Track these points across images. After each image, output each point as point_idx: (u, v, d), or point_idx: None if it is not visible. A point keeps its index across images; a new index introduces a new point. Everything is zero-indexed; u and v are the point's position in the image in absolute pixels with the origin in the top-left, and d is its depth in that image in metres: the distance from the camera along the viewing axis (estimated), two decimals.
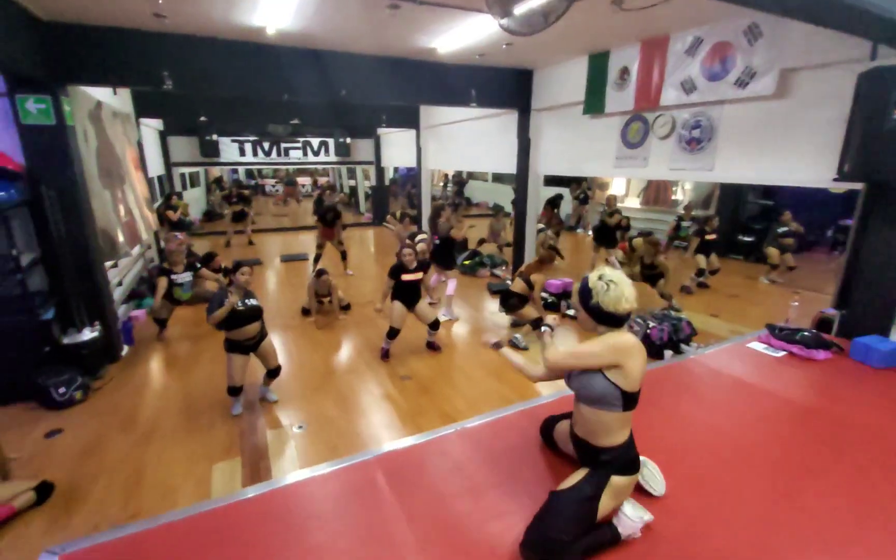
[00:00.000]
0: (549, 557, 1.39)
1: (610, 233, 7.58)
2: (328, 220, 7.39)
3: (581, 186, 11.94)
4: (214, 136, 11.38)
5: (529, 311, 4.80)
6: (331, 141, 12.75)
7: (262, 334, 3.62)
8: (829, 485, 1.77)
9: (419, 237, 4.38)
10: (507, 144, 6.79)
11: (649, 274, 5.87)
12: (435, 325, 4.61)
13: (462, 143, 8.64)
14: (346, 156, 12.94)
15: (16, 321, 3.64)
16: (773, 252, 7.24)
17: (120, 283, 5.44)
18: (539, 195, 6.83)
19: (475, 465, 1.97)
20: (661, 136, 4.67)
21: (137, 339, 5.12)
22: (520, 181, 6.72)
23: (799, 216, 7.27)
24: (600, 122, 5.39)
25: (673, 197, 11.41)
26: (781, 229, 7.13)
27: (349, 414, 3.64)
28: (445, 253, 5.85)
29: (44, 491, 2.60)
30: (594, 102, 5.29)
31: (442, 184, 19.81)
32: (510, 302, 4.85)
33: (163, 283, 5.19)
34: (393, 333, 4.45)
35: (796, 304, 3.93)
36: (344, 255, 7.67)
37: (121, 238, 5.13)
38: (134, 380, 4.23)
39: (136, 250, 6.91)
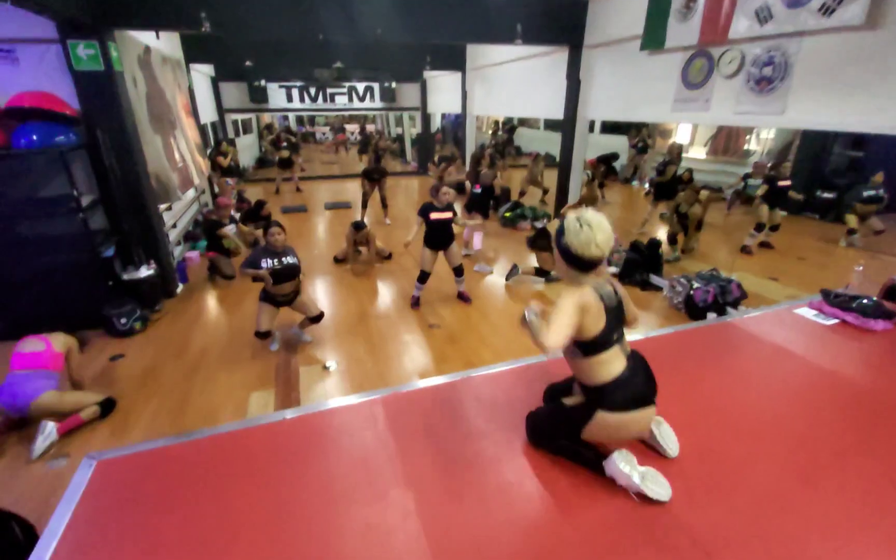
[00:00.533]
0: (533, 436, 1.77)
1: (668, 185, 7.05)
2: (373, 178, 7.44)
3: (640, 134, 11.11)
4: (263, 82, 11.58)
5: (548, 259, 4.71)
6: (376, 86, 12.59)
7: (297, 291, 3.79)
8: (855, 473, 1.63)
9: (443, 190, 4.32)
10: (556, 87, 6.38)
11: (685, 224, 5.49)
12: (459, 270, 4.61)
13: (508, 87, 8.23)
14: (391, 101, 12.77)
15: (80, 257, 4.03)
16: (851, 218, 6.45)
17: (174, 226, 5.84)
18: (586, 143, 6.43)
19: (476, 413, 2.00)
20: (727, 75, 4.19)
21: (191, 278, 5.53)
22: (566, 127, 6.35)
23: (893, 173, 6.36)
24: (659, 59, 4.90)
25: (746, 146, 10.37)
26: (868, 193, 6.28)
27: (377, 357, 3.79)
28: (484, 202, 5.77)
29: (107, 406, 2.95)
30: (654, 36, 4.80)
31: (491, 131, 19.19)
32: (539, 241, 4.75)
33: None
34: (423, 277, 4.50)
35: (860, 268, 3.52)
36: (384, 203, 7.73)
37: (174, 182, 5.46)
38: (187, 314, 4.61)
39: (191, 194, 7.35)
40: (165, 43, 6.57)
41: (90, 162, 4.24)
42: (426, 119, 13.07)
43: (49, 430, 2.64)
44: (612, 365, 1.54)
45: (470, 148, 10.18)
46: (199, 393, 3.31)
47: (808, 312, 2.82)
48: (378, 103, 12.93)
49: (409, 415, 1.99)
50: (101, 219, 4.40)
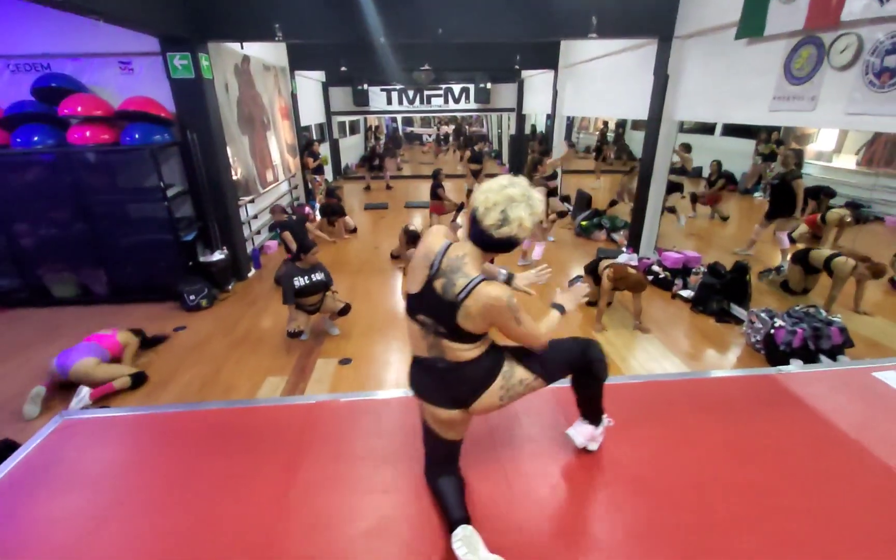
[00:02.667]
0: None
1: (787, 196, 5.86)
2: (436, 195, 7.48)
3: (770, 138, 9.54)
4: (365, 86, 12.44)
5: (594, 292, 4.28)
6: (471, 87, 12.73)
7: (321, 302, 4.07)
8: None
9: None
10: (644, 85, 5.78)
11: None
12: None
13: (596, 85, 7.69)
14: (486, 102, 12.80)
15: (165, 239, 4.77)
16: None
17: (256, 217, 6.57)
18: (672, 147, 5.70)
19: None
20: (840, 67, 3.38)
21: (265, 265, 6.18)
22: (650, 129, 5.71)
23: None
24: (757, 49, 4.16)
25: None
26: None
27: (391, 357, 3.83)
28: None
29: (138, 379, 3.44)
30: (752, 21, 4.09)
31: (599, 133, 18.11)
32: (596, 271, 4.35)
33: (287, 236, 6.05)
34: None
35: None
36: (460, 208, 7.75)
37: (255, 178, 6.16)
38: (247, 297, 5.17)
39: (284, 187, 8.20)
40: (269, 52, 7.42)
41: (181, 158, 5.00)
42: (521, 120, 12.83)
43: (83, 394, 3.15)
44: (413, 341, 1.48)
45: (557, 150, 9.72)
46: (229, 370, 3.69)
47: (892, 378, 2.15)
48: (473, 104, 13.05)
49: (393, 421, 2.00)
50: (188, 207, 5.15)
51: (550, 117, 17.01)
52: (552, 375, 1.55)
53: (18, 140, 4.48)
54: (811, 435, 1.87)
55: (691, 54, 5.06)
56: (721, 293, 4.41)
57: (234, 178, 5.76)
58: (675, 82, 5.31)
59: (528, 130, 14.15)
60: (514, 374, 1.49)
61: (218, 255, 5.15)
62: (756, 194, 9.75)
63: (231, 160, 5.57)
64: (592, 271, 4.53)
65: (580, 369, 1.62)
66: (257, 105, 6.64)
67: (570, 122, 18.88)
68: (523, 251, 5.90)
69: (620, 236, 6.61)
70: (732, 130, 10.85)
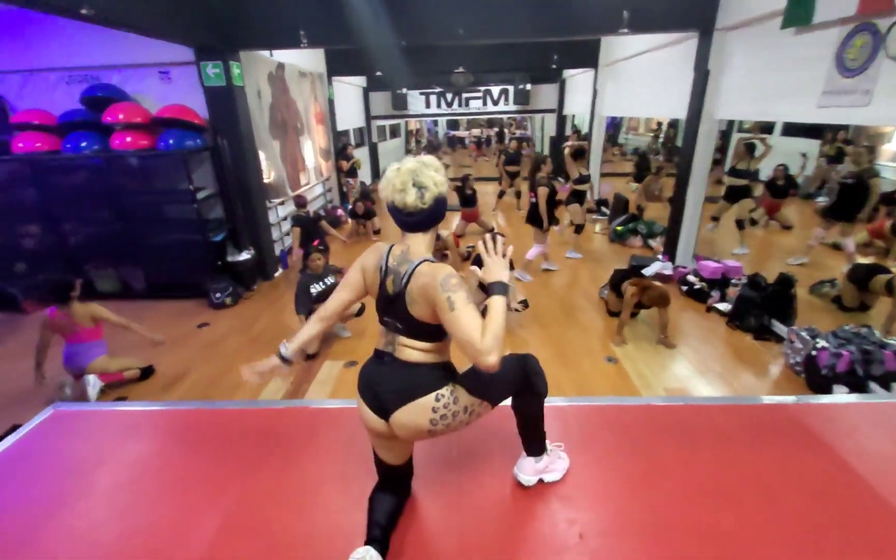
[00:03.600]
0: None
1: (858, 198, 5.25)
2: (468, 201, 7.39)
3: (836, 138, 8.71)
4: (404, 90, 12.61)
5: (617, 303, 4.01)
6: (511, 89, 12.57)
7: None
8: None
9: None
10: (684, 82, 5.44)
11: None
12: (525, 304, 4.29)
13: (636, 83, 7.34)
14: (525, 104, 12.60)
15: (195, 239, 5.02)
16: None
17: (285, 219, 6.79)
18: (711, 147, 5.31)
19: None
20: None
21: (293, 265, 6.36)
22: (689, 128, 5.36)
23: None
24: (804, 40, 3.79)
25: None
26: None
27: None
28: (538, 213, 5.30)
29: (146, 372, 3.64)
30: (799, 9, 3.73)
31: (653, 133, 17.32)
32: (624, 282, 4.08)
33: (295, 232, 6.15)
34: None
35: None
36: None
37: (284, 181, 6.38)
38: (270, 296, 5.34)
39: (318, 190, 8.45)
40: (307, 60, 7.68)
41: (213, 162, 5.25)
42: (561, 121, 12.53)
43: (93, 381, 3.35)
44: (378, 336, 1.46)
45: (596, 155, 9.37)
46: (237, 367, 3.80)
47: None
48: (512, 106, 12.88)
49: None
50: (219, 209, 5.41)
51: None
52: (496, 397, 1.46)
53: (68, 145, 4.88)
54: (825, 479, 1.64)
55: (733, 48, 4.71)
56: (761, 307, 4.04)
57: (266, 181, 6.00)
58: (716, 78, 4.96)
59: (570, 131, 13.80)
60: (460, 399, 1.39)
61: (244, 256, 5.36)
62: (819, 199, 8.92)
63: (262, 164, 5.80)
64: (616, 285, 4.29)
65: (521, 387, 1.50)
66: (290, 111, 6.87)
67: (617, 123, 18.25)
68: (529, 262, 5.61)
69: (657, 243, 6.25)
70: (794, 129, 10.00)
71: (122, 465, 1.80)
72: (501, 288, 1.29)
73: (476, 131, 23.48)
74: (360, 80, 12.17)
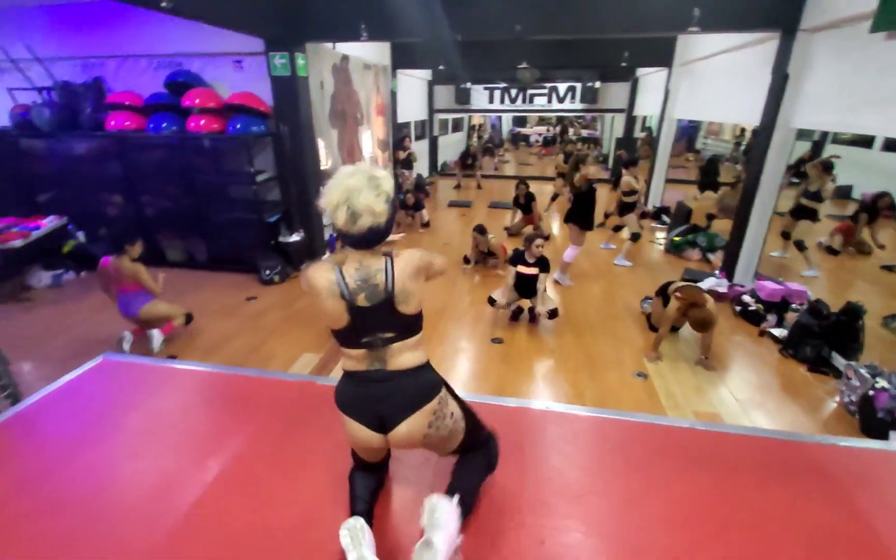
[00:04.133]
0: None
1: None
2: (522, 205, 7.32)
3: None
4: (467, 85, 12.66)
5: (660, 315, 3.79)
6: (578, 86, 12.22)
7: None
8: None
9: (536, 242, 4.15)
10: (761, 86, 5.04)
11: None
12: (553, 314, 4.21)
13: (712, 84, 6.88)
14: (592, 102, 12.21)
15: (251, 218, 5.43)
16: None
17: None
18: (785, 158, 4.86)
19: None
20: None
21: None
22: (761, 137, 4.95)
23: None
24: None
25: None
26: None
27: None
28: (581, 213, 5.12)
29: (189, 318, 4.07)
30: (891, 12, 3.35)
31: (734, 140, 16.08)
32: (673, 293, 3.86)
33: None
34: (490, 302, 4.33)
35: None
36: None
37: (339, 169, 6.68)
38: None
39: None
40: (372, 52, 7.96)
41: (274, 148, 5.63)
42: (630, 122, 11.99)
43: (155, 334, 3.77)
44: (351, 360, 1.39)
45: (662, 160, 8.90)
46: (274, 341, 4.09)
47: None
48: (578, 104, 12.52)
49: None
50: (276, 192, 5.79)
51: (678, 121, 15.68)
52: (470, 426, 1.53)
53: (151, 125, 5.44)
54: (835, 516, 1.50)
55: (818, 51, 4.30)
56: (820, 337, 3.68)
57: (323, 167, 6.33)
58: (795, 83, 4.55)
59: (640, 132, 13.19)
60: (448, 403, 1.45)
61: (295, 237, 5.70)
62: None
63: (320, 151, 6.12)
64: (662, 291, 4.09)
65: (482, 442, 1.59)
66: (351, 101, 7.17)
67: (695, 127, 17.10)
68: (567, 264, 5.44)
69: (716, 257, 5.85)
70: None
71: (149, 414, 2.04)
72: None
73: (542, 129, 23.03)
74: (426, 74, 12.37)
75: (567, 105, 12.73)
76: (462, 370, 3.69)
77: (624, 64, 9.10)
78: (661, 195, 8.98)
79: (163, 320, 3.95)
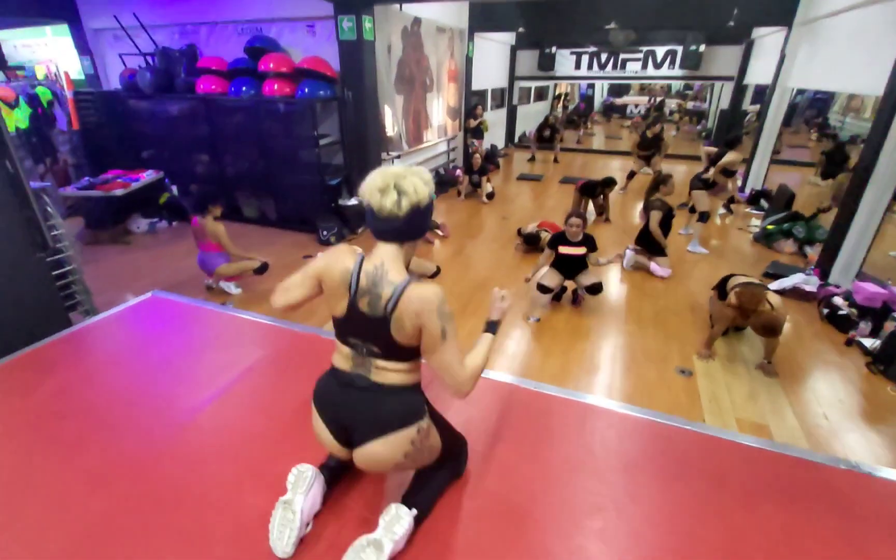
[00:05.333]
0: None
1: None
2: (587, 191, 6.83)
3: None
4: (553, 49, 12.05)
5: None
6: (679, 50, 11.09)
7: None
8: None
9: (572, 221, 3.87)
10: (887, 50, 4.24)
11: None
12: (594, 289, 3.99)
13: (835, 47, 5.88)
14: (694, 68, 11.02)
15: (314, 180, 5.75)
16: None
17: None
18: None
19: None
20: None
21: None
22: (882, 111, 4.17)
23: None
24: None
25: None
26: None
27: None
28: (649, 237, 4.74)
29: (262, 268, 4.41)
30: None
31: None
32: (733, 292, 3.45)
33: None
34: (542, 289, 4.15)
35: None
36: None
37: (402, 136, 6.79)
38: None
39: (441, 148, 8.79)
40: (448, 14, 7.86)
41: (339, 112, 5.87)
42: (739, 92, 10.67)
43: (232, 286, 4.33)
44: (339, 355, 1.38)
45: (768, 136, 7.83)
46: (319, 298, 4.35)
47: None
48: (678, 71, 11.40)
49: None
50: (340, 156, 6.06)
51: (801, 93, 13.68)
52: (446, 446, 1.48)
53: (232, 89, 5.94)
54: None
55: None
56: None
57: (388, 134, 6.50)
58: None
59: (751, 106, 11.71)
60: (430, 434, 1.37)
61: (353, 201, 5.96)
62: None
63: (386, 117, 6.27)
64: (721, 285, 3.70)
65: (455, 453, 1.57)
66: (421, 67, 7.20)
67: (823, 100, 14.74)
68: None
69: (813, 251, 5.10)
70: None
71: (178, 346, 2.33)
72: (494, 327, 1.48)
73: (643, 99, 21.24)
74: (509, 38, 11.98)
75: (665, 71, 11.65)
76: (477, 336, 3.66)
77: (731, 23, 8.06)
78: (762, 177, 7.96)
79: (235, 276, 4.42)
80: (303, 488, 1.38)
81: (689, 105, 19.11)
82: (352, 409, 1.33)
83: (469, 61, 9.20)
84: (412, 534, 1.36)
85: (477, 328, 3.67)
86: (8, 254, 2.54)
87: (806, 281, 4.28)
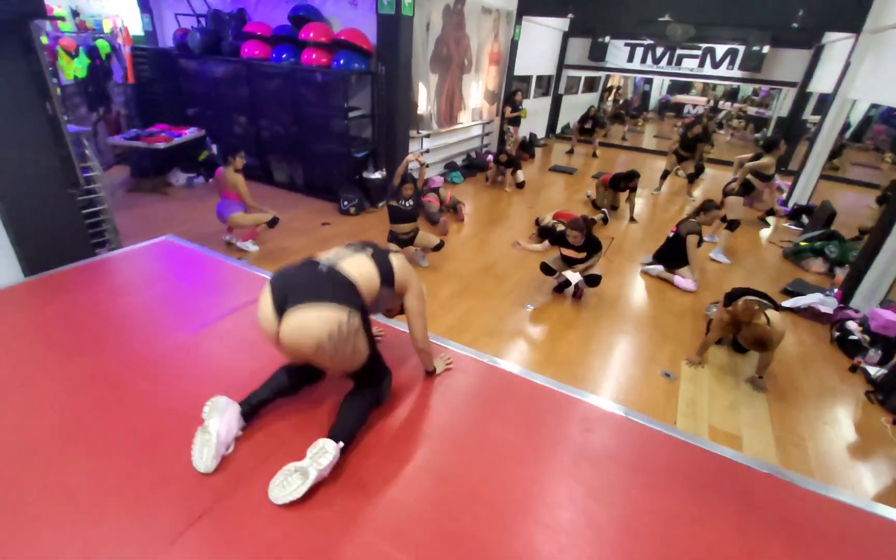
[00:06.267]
0: None
1: None
2: (619, 186, 6.78)
3: None
4: (607, 39, 11.69)
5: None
6: (741, 50, 10.54)
7: (415, 234, 4.55)
8: None
9: (571, 234, 3.87)
10: None
11: None
12: (592, 280, 4.01)
13: None
14: (756, 70, 10.45)
15: (340, 151, 5.96)
16: None
17: (427, 151, 7.36)
18: None
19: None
20: None
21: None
22: None
23: None
24: None
25: None
26: None
27: (458, 304, 4.04)
28: (674, 253, 4.61)
29: (273, 222, 4.67)
30: None
31: None
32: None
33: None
34: (545, 269, 4.22)
35: None
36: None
37: (432, 115, 6.88)
38: (381, 214, 6.01)
39: (475, 131, 8.82)
40: None
41: (371, 86, 6.03)
42: (801, 100, 10.06)
43: (251, 244, 4.66)
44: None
45: (821, 150, 7.37)
46: None
47: None
48: (736, 72, 10.85)
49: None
50: (369, 130, 6.24)
51: (875, 109, 12.70)
52: (371, 363, 1.62)
53: (273, 56, 6.21)
54: None
55: None
56: None
57: (419, 112, 6.61)
58: None
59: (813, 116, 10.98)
60: (359, 338, 1.51)
61: (376, 175, 6.14)
62: None
63: (420, 95, 6.39)
64: (730, 300, 3.61)
65: (377, 380, 1.73)
66: (460, 47, 7.23)
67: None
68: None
69: (842, 273, 4.84)
70: None
71: (179, 285, 2.59)
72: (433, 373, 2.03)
73: (702, 100, 20.22)
74: (561, 23, 11.71)
75: (723, 71, 11.13)
76: (479, 323, 3.77)
77: (796, 24, 7.59)
78: (810, 192, 7.54)
79: (248, 228, 4.70)
80: (216, 414, 1.55)
81: (752, 111, 18.06)
82: (300, 279, 1.49)
83: (514, 45, 9.11)
84: (337, 464, 1.51)
85: (474, 310, 3.83)
86: (42, 186, 2.87)
87: (823, 302, 4.12)
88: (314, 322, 1.40)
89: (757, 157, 5.63)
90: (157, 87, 7.11)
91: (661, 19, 8.71)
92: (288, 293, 1.43)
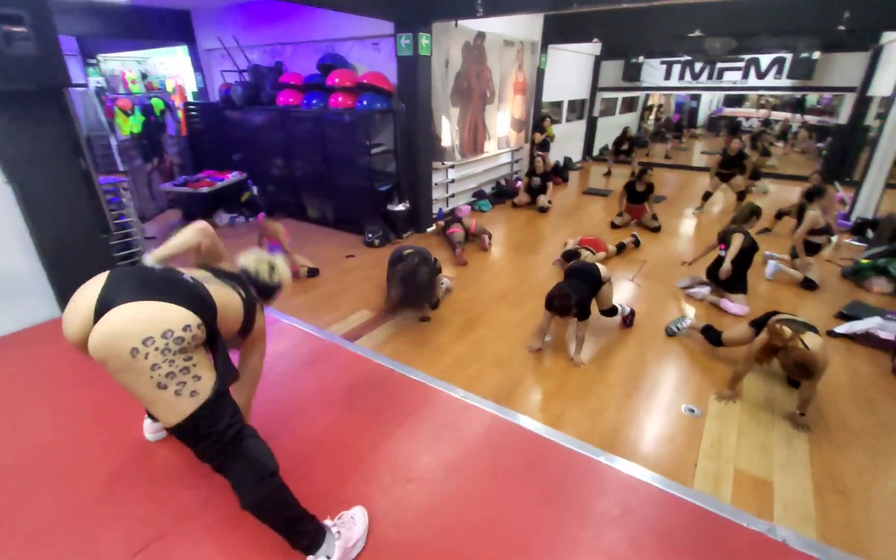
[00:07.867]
0: None
1: None
2: (637, 196, 6.56)
3: None
4: (640, 59, 11.44)
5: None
6: (788, 58, 9.91)
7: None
8: None
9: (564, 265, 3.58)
10: None
11: None
12: (608, 312, 3.78)
13: None
14: (807, 78, 9.77)
15: (365, 186, 6.10)
16: None
17: (452, 181, 7.38)
18: None
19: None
20: None
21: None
22: None
23: None
24: None
25: None
26: None
27: (469, 335, 3.93)
28: (734, 271, 4.25)
29: (313, 272, 4.86)
30: None
31: None
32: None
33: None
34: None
35: None
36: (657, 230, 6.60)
37: (455, 147, 6.92)
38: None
39: (504, 159, 8.78)
40: (518, 27, 7.88)
41: (394, 123, 6.18)
42: (860, 105, 9.25)
43: None
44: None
45: (883, 156, 6.67)
46: (346, 295, 4.62)
47: None
48: (785, 81, 10.18)
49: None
50: (392, 164, 6.36)
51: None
52: (208, 409, 1.22)
53: (305, 102, 6.54)
54: None
55: None
56: None
57: (443, 145, 6.69)
58: None
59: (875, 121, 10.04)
60: (199, 364, 1.20)
61: (400, 207, 6.22)
62: None
63: (442, 128, 6.48)
64: (761, 323, 3.27)
65: (230, 441, 1.29)
66: (481, 79, 7.28)
67: None
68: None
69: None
70: None
71: None
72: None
73: (762, 112, 19.05)
74: (593, 48, 11.63)
75: (770, 81, 10.48)
76: (489, 351, 3.63)
77: (842, 27, 7.02)
78: (875, 205, 6.82)
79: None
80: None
81: (814, 120, 16.85)
82: (131, 276, 1.23)
83: (541, 73, 9.08)
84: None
85: (482, 341, 3.71)
86: (76, 232, 3.14)
87: (882, 326, 3.62)
88: (127, 322, 1.09)
89: (801, 211, 5.22)
90: (206, 136, 7.67)
91: (690, 35, 8.36)
92: (110, 288, 1.18)
